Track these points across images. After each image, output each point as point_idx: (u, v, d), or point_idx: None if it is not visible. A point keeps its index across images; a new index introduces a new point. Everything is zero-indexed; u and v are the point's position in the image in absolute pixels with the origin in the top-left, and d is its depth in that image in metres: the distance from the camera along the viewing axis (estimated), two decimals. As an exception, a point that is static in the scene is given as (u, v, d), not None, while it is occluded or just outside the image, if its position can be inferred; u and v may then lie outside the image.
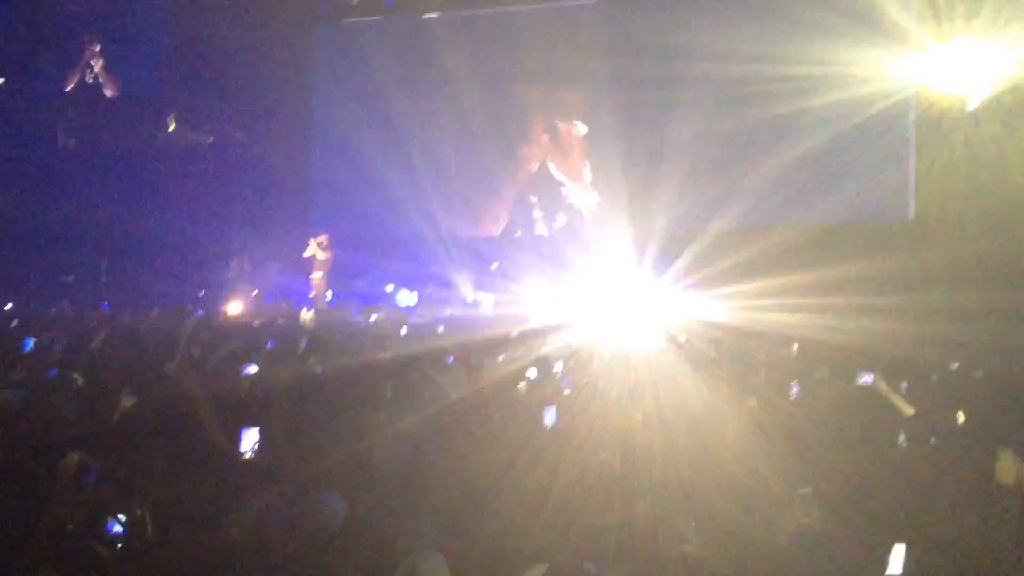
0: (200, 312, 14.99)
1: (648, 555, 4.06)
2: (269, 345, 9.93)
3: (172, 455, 5.11)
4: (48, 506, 4.28)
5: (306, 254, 17.81)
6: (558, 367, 8.59)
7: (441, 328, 13.27)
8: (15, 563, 3.64)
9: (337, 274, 18.27)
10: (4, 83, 18.95)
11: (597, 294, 15.96)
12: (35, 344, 8.74)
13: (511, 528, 4.35)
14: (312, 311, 16.27)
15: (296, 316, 15.78)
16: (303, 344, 9.55)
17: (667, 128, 16.63)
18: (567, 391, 7.47)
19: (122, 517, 4.19)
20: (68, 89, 18.91)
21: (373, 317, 15.60)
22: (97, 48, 18.03)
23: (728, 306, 14.43)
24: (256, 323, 14.07)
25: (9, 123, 18.76)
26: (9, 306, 15.44)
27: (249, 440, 5.13)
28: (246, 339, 11.27)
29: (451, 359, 8.44)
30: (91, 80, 18.54)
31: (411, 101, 18.64)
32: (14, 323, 12.42)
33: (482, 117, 18.21)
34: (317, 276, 17.75)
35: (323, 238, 17.87)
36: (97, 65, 18.00)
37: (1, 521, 4.09)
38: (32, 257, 17.36)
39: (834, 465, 5.46)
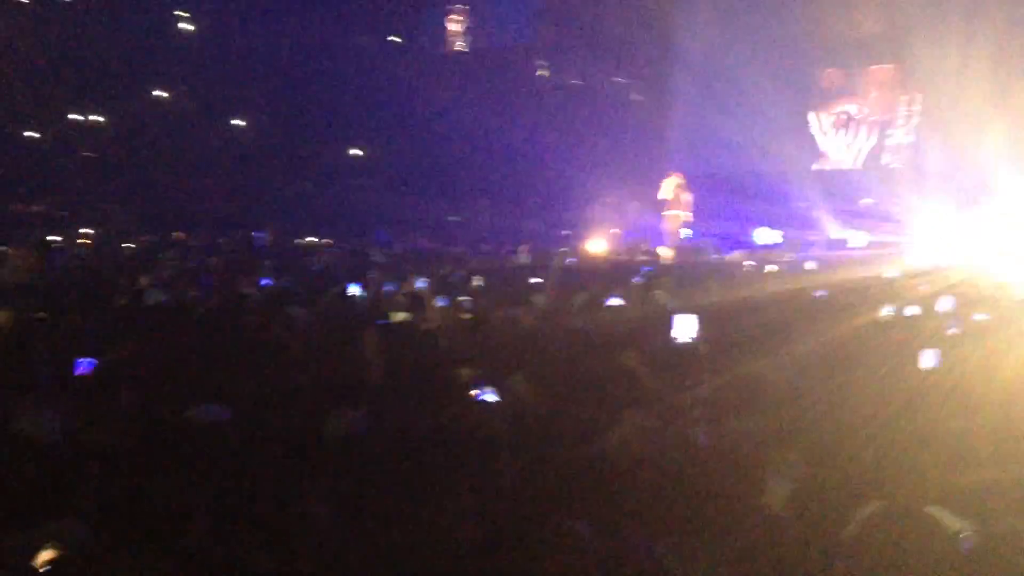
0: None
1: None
2: (635, 280, 10.23)
3: (552, 374, 5.51)
4: (444, 411, 4.85)
5: (660, 195, 17.64)
6: (943, 306, 7.94)
7: (809, 266, 12.75)
8: (416, 462, 4.17)
9: (696, 213, 18.17)
10: (401, 42, 21.04)
11: (985, 227, 14.38)
12: (430, 278, 9.78)
13: (871, 464, 4.17)
14: (670, 249, 16.39)
15: (655, 255, 16.01)
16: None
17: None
18: (953, 331, 6.89)
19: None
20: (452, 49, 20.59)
21: (734, 257, 15.40)
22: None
23: None
24: (619, 260, 14.50)
25: (397, 80, 20.80)
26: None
27: (683, 326, 5.33)
28: (610, 276, 11.73)
29: (819, 294, 8.16)
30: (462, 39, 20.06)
31: (772, 33, 17.91)
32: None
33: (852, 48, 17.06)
34: (673, 215, 17.51)
35: (678, 178, 17.57)
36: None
37: (404, 426, 4.70)
38: (425, 200, 19.32)
39: None
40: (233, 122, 21.16)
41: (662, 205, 17.51)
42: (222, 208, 18.94)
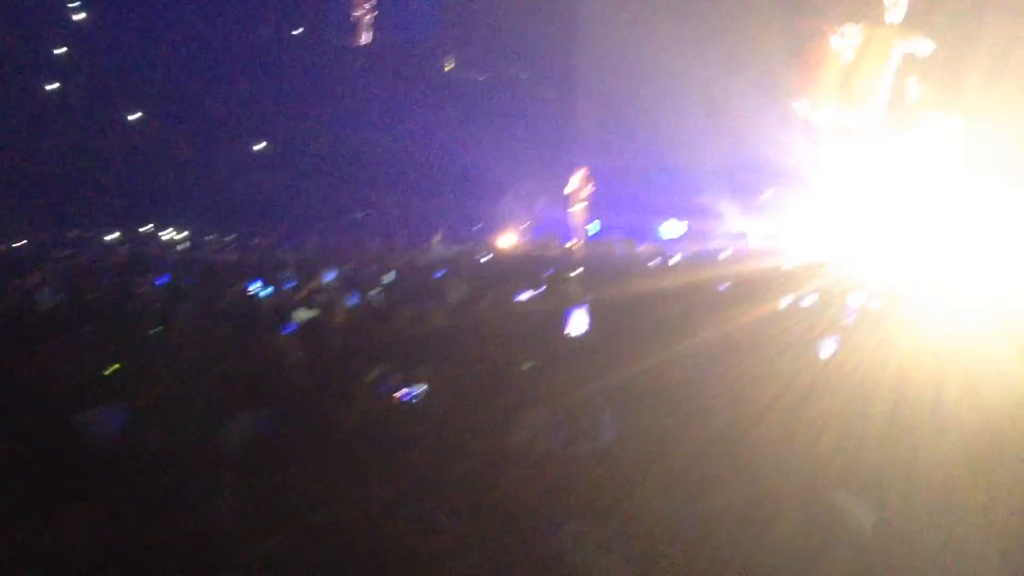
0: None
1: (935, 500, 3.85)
2: (550, 272, 10.29)
3: (454, 371, 5.50)
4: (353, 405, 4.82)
5: (567, 190, 17.80)
6: (840, 296, 8.22)
7: (711, 258, 13.05)
8: (324, 447, 4.16)
9: (603, 207, 18.38)
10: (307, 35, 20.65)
11: (879, 219, 14.92)
12: (338, 274, 9.66)
13: (770, 459, 4.29)
14: (580, 243, 16.56)
15: (564, 249, 16.14)
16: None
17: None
18: (847, 321, 7.13)
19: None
20: (358, 43, 20.33)
21: (638, 249, 15.61)
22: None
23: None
24: (530, 254, 14.55)
25: (303, 74, 20.43)
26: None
27: (578, 320, 5.41)
28: (520, 270, 11.77)
29: (723, 287, 8.34)
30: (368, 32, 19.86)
31: (674, 31, 18.17)
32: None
33: (753, 42, 17.44)
34: (577, 209, 17.70)
35: (582, 171, 17.73)
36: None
37: (313, 415, 4.67)
38: (327, 193, 19.03)
39: None
40: (130, 116, 20.47)
41: (570, 199, 17.70)
42: (119, 205, 18.32)
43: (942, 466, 4.10)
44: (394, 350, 5.73)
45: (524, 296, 8.24)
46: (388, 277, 10.27)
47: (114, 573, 3.11)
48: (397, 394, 5.00)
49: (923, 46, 16.73)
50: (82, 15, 20.51)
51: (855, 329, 6.98)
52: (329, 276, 9.17)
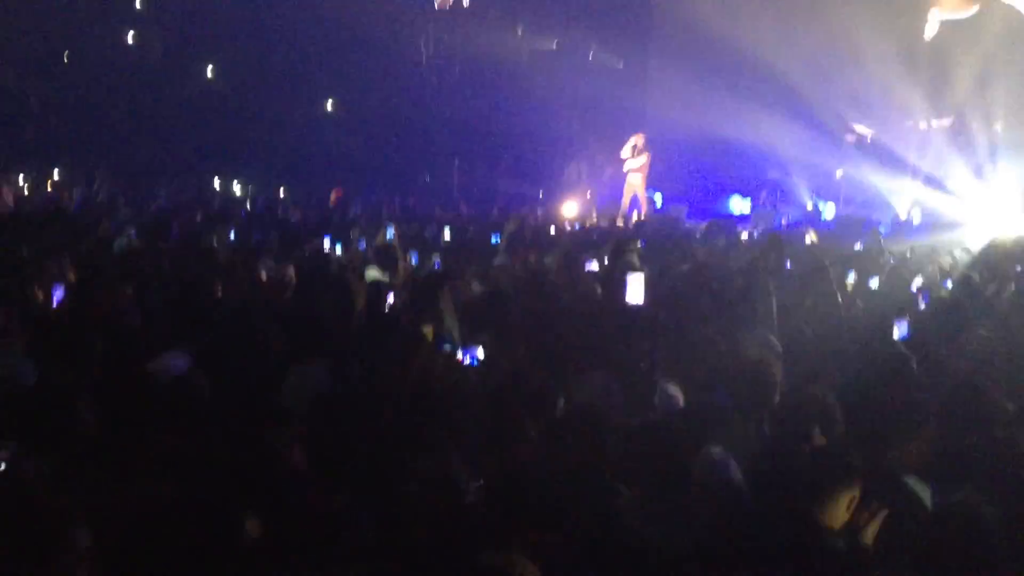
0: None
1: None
2: (612, 242, 10.17)
3: (515, 335, 5.51)
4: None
5: (623, 155, 17.33)
6: (913, 278, 8.00)
7: (780, 235, 12.75)
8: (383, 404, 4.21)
9: (669, 178, 18.13)
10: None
11: (962, 197, 14.43)
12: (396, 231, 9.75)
13: (842, 436, 4.21)
14: (640, 215, 16.31)
15: (628, 220, 15.95)
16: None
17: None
18: (923, 305, 6.93)
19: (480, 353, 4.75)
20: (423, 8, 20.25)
21: (704, 223, 15.37)
22: None
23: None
24: (594, 224, 14.44)
25: (373, 35, 20.44)
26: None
27: (637, 292, 5.41)
28: (581, 239, 11.71)
29: (789, 265, 8.18)
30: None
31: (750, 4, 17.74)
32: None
33: (828, 13, 16.96)
34: (635, 180, 17.31)
35: (637, 139, 17.28)
36: None
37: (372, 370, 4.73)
38: (394, 156, 19.12)
39: None
40: (207, 74, 20.73)
41: (635, 170, 17.33)
42: (191, 161, 18.68)
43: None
44: (457, 311, 5.76)
45: (588, 266, 8.20)
46: (449, 237, 10.34)
47: (182, 520, 3.17)
48: (458, 355, 5.03)
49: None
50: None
51: (925, 312, 6.79)
52: (391, 236, 9.24)
